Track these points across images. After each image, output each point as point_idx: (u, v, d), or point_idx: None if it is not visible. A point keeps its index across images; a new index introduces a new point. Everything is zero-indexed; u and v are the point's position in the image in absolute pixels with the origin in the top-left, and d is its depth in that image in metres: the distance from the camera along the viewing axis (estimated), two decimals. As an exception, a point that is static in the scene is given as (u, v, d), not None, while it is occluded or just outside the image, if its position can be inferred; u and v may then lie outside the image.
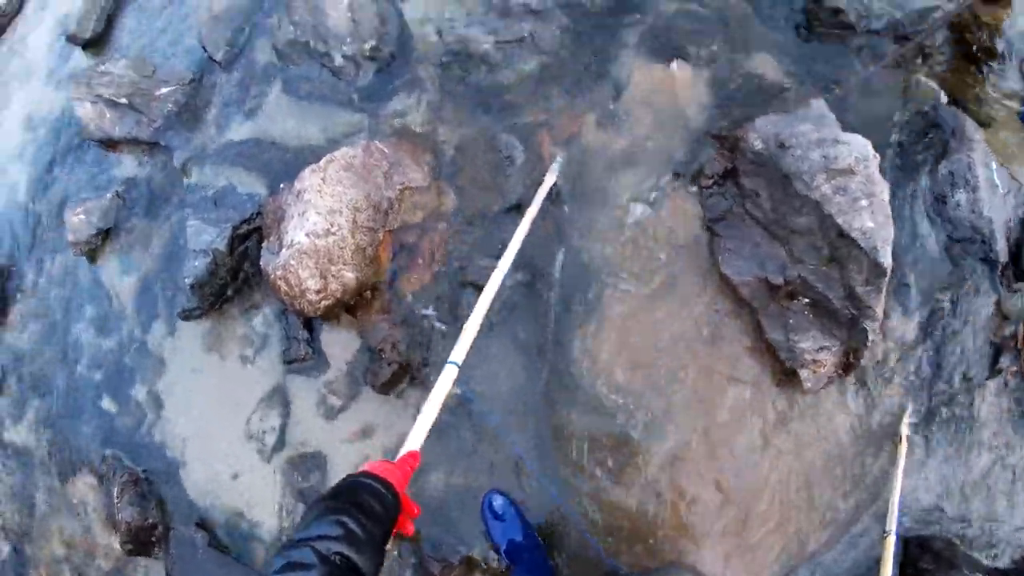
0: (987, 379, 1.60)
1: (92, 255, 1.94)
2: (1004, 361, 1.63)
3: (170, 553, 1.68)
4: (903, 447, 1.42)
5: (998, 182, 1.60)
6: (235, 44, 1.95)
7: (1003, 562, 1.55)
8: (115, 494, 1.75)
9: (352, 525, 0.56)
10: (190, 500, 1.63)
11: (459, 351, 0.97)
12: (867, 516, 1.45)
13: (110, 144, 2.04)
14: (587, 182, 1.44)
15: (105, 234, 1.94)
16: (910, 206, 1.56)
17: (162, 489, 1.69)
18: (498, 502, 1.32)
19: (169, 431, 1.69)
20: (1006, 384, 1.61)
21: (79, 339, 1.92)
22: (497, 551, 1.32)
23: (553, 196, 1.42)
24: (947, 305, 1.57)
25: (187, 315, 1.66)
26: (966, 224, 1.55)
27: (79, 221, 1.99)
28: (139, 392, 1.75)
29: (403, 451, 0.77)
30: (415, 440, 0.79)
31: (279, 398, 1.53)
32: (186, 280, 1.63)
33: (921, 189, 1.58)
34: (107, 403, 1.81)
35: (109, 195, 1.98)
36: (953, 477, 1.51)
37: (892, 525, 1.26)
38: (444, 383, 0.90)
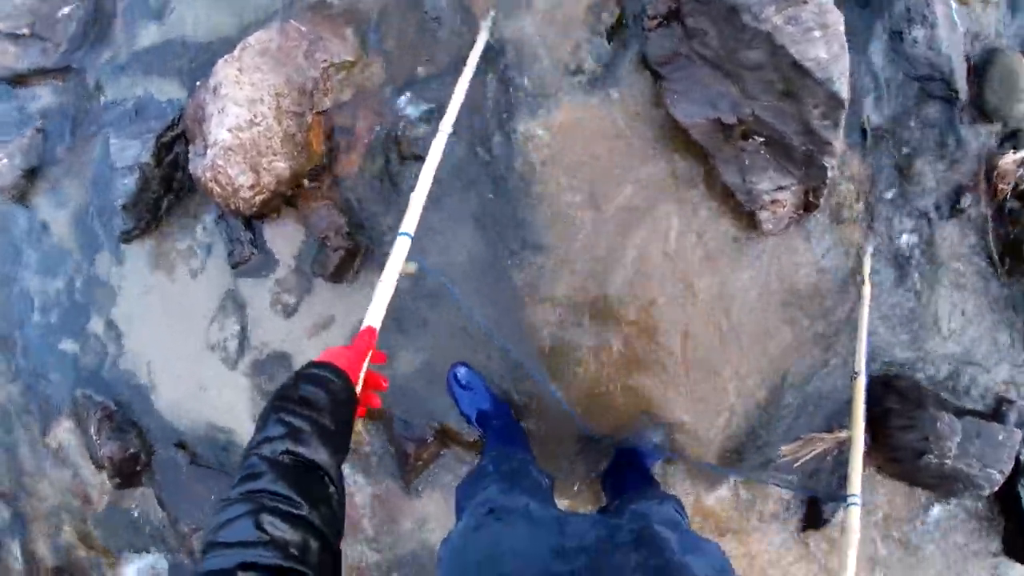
0: (948, 219, 1.58)
1: (23, 197, 1.83)
2: (965, 201, 1.61)
3: (156, 479, 1.69)
4: (867, 288, 1.41)
5: (957, 20, 1.53)
6: (131, -56, 1.76)
7: (970, 402, 1.59)
8: (93, 432, 1.75)
9: (295, 421, 0.53)
10: (166, 422, 1.62)
11: (409, 221, 0.92)
12: (835, 358, 1.47)
13: (19, 79, 1.89)
14: (524, 37, 1.34)
15: (32, 173, 1.82)
16: (865, 42, 1.49)
17: (137, 417, 1.68)
18: (463, 373, 1.31)
19: (133, 358, 1.65)
20: (968, 223, 1.60)
21: (27, 286, 1.84)
22: (468, 421, 1.33)
23: (489, 54, 1.32)
24: (907, 145, 1.53)
25: (127, 237, 1.59)
26: (924, 62, 1.48)
27: (2, 166, 1.87)
28: (96, 326, 1.71)
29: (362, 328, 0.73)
30: (373, 316, 0.75)
31: (233, 304, 1.49)
32: (118, 201, 1.55)
33: (877, 25, 1.49)
34: (67, 344, 1.77)
35: (28, 132, 1.85)
36: (916, 318, 1.52)
37: (861, 366, 1.27)
38: (397, 255, 0.86)
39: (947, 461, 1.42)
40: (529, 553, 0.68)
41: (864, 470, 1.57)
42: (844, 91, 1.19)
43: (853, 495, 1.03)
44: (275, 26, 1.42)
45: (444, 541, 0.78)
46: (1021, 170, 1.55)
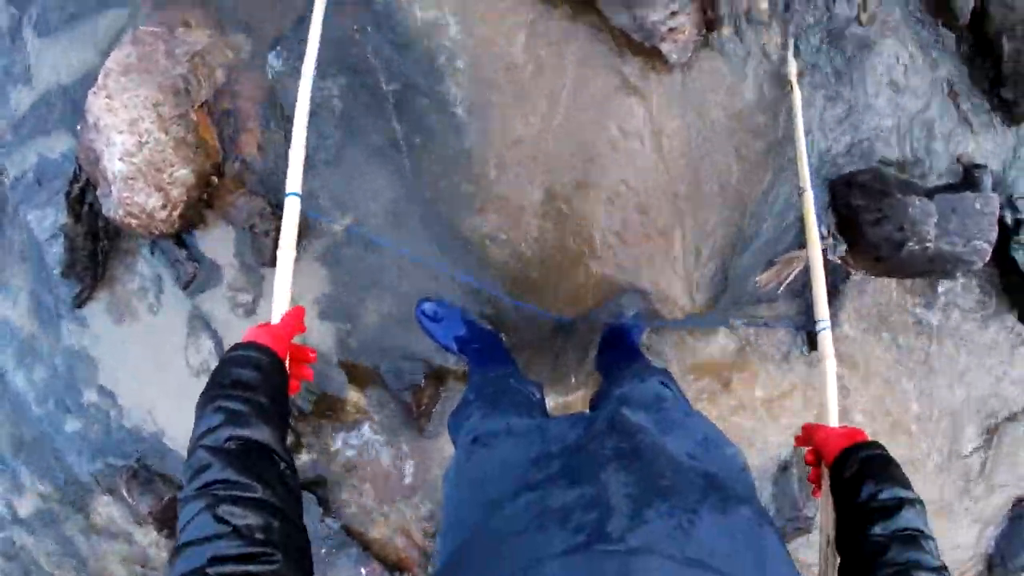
0: None
1: (-24, 305, 1.84)
2: None
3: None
4: (796, 94, 1.33)
5: None
6: (-29, 21, 1.70)
7: (938, 177, 1.52)
8: (126, 495, 1.79)
9: (231, 404, 0.53)
10: (184, 458, 1.65)
11: (292, 181, 0.87)
12: (783, 174, 1.41)
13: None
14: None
15: (-26, 278, 1.82)
16: None
17: (159, 465, 1.71)
18: (429, 307, 1.31)
19: (133, 413, 1.68)
20: None
21: (15, 385, 1.87)
22: (450, 351, 1.32)
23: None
24: (801, -72, 1.42)
25: (80, 301, 1.58)
26: None
27: (-54, 282, 1.87)
28: (91, 396, 1.72)
29: (276, 312, 0.71)
30: (282, 293, 0.73)
31: (199, 324, 1.49)
32: (56, 271, 1.54)
33: None
34: (72, 423, 1.80)
35: (-45, 241, 1.84)
36: (859, 107, 1.45)
37: (805, 181, 1.20)
38: (290, 219, 0.82)
39: (928, 244, 1.38)
40: (511, 469, 0.67)
41: (853, 277, 1.55)
42: None
43: (821, 320, 0.98)
44: (127, 39, 1.37)
45: (443, 478, 0.78)
46: None
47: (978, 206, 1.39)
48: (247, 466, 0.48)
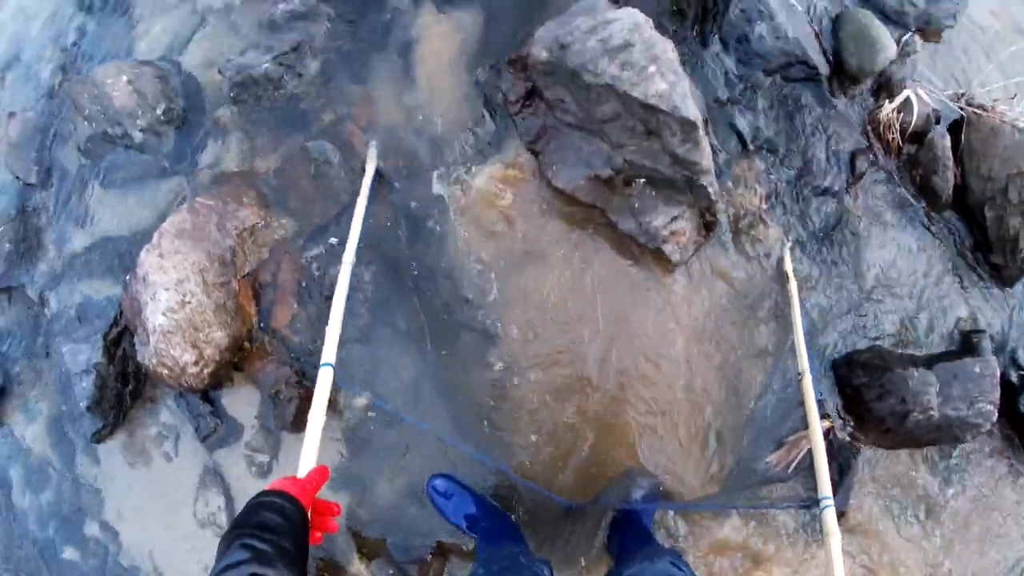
0: (853, 186, 1.63)
1: (-4, 420, 1.88)
2: (862, 164, 1.66)
3: (185, 663, 1.66)
4: (792, 284, 1.44)
5: (793, 1, 1.62)
6: (43, 161, 1.88)
7: (936, 348, 1.59)
8: (113, 632, 1.73)
9: (257, 544, 0.56)
10: (178, 606, 1.62)
11: (328, 352, 0.98)
12: (785, 360, 1.47)
13: (-31, 308, 1.97)
14: (409, 154, 1.43)
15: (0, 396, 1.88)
16: (714, 55, 1.55)
17: (151, 609, 1.67)
18: (441, 483, 1.33)
19: (133, 553, 1.66)
20: (874, 182, 1.64)
21: (19, 505, 1.86)
22: (459, 528, 1.33)
23: (381, 180, 1.41)
24: (788, 134, 1.59)
25: (99, 437, 1.62)
26: (775, 52, 1.56)
27: (-30, 393, 1.92)
28: (92, 529, 1.71)
29: (302, 468, 0.77)
30: (309, 452, 0.79)
31: (212, 477, 1.51)
32: (82, 404, 1.59)
33: (715, 37, 1.55)
34: (69, 553, 1.77)
35: (-13, 357, 1.92)
36: (856, 291, 1.55)
37: (804, 365, 1.28)
38: (323, 386, 0.91)
39: (932, 412, 1.41)
40: None
41: (864, 453, 1.58)
42: (692, 113, 1.27)
43: (825, 497, 1.03)
44: (185, 207, 1.51)
45: None
46: (902, 115, 1.61)
47: (978, 370, 1.43)
48: None
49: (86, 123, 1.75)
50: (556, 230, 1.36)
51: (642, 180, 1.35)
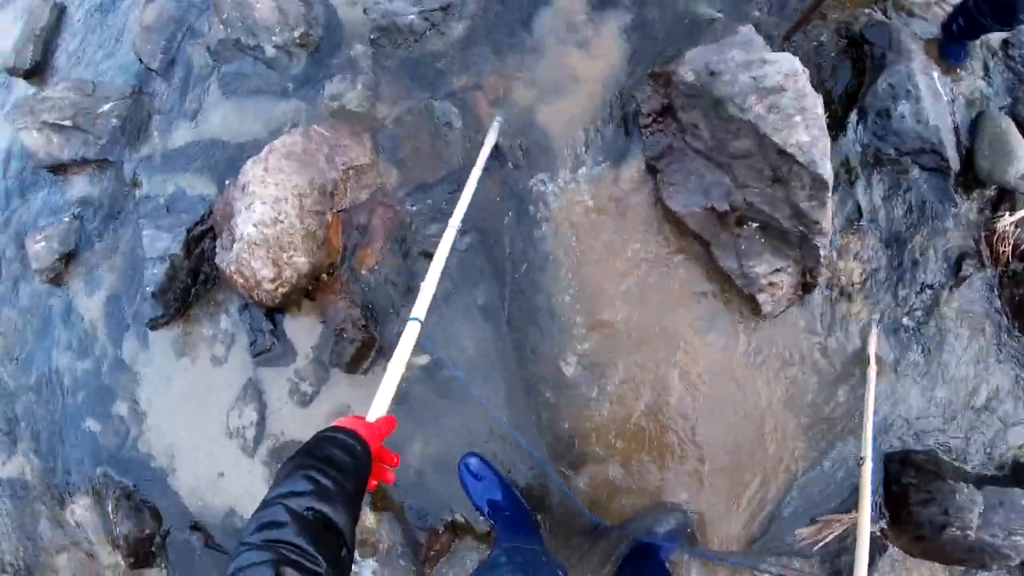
0: (953, 287, 1.60)
1: (57, 280, 1.94)
2: (967, 268, 1.63)
3: (170, 560, 1.70)
4: (872, 369, 1.41)
5: (941, 90, 1.59)
6: (169, 51, 1.93)
7: (989, 469, 1.56)
8: (110, 510, 1.77)
9: (322, 479, 0.55)
10: (182, 505, 1.65)
11: (420, 307, 0.98)
12: (845, 439, 1.45)
13: (61, 168, 2.04)
14: (530, 138, 1.43)
15: (67, 257, 1.94)
16: (853, 122, 1.55)
17: (154, 498, 1.70)
18: (474, 463, 1.33)
19: (153, 441, 1.70)
20: (973, 290, 1.60)
21: (56, 365, 1.92)
22: (480, 511, 1.33)
23: (497, 156, 1.42)
24: (904, 218, 1.56)
25: (155, 324, 1.66)
26: (912, 135, 1.54)
27: (40, 248, 1.99)
28: (120, 408, 1.76)
29: (372, 413, 0.77)
30: (383, 399, 0.79)
31: (253, 392, 1.54)
32: (148, 289, 1.63)
33: (861, 105, 1.55)
34: (91, 423, 1.82)
35: (66, 218, 1.98)
36: (929, 391, 1.52)
37: (867, 451, 1.25)
38: (408, 339, 0.91)
39: (970, 533, 1.38)
40: None
41: (889, 553, 1.54)
42: (827, 171, 1.25)
43: None
44: (299, 130, 1.54)
45: None
46: (1019, 231, 1.57)
47: None
48: (319, 540, 0.49)
49: (222, 26, 1.80)
50: (658, 251, 1.35)
51: (755, 224, 1.34)
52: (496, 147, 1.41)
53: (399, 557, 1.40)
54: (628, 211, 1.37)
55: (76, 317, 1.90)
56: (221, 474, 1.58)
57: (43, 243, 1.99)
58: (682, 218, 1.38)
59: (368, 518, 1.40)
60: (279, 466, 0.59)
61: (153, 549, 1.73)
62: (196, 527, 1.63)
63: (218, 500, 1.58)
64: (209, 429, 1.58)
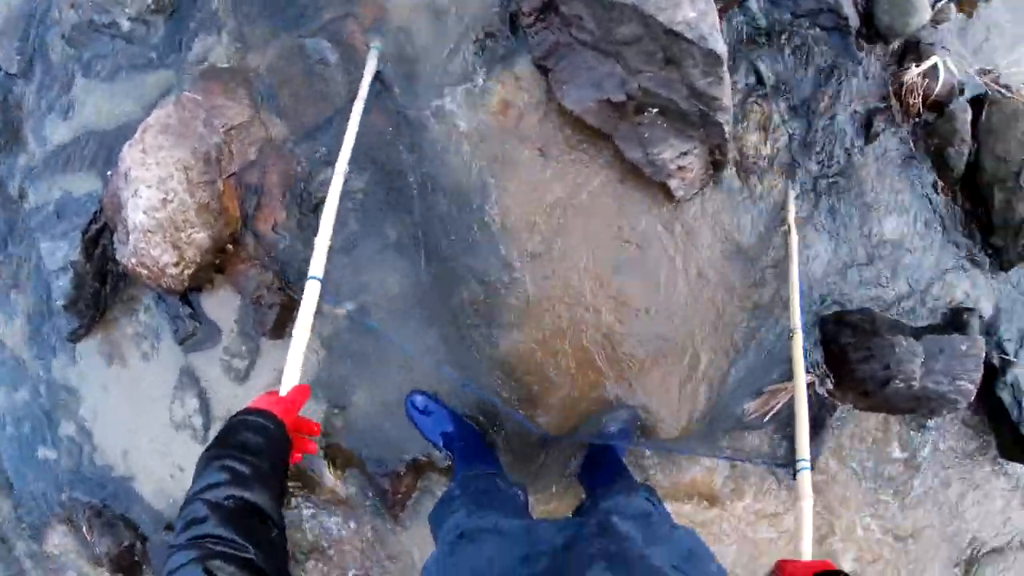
0: (866, 146, 1.58)
1: (-28, 317, 1.84)
2: (879, 124, 1.61)
3: (154, 566, 1.69)
4: (793, 236, 1.40)
5: None
6: (25, 51, 1.78)
7: (924, 319, 1.58)
8: (85, 531, 1.75)
9: (237, 466, 0.55)
10: (152, 509, 1.63)
11: (316, 264, 0.94)
12: (778, 308, 1.46)
13: (-54, 202, 1.90)
14: (413, 60, 1.35)
15: (-25, 291, 1.83)
16: None
17: (124, 509, 1.68)
18: (420, 400, 1.32)
19: (108, 453, 1.66)
20: (887, 144, 1.59)
21: (-5, 403, 1.85)
22: (435, 446, 1.33)
23: (381, 84, 1.34)
24: (808, 83, 1.53)
25: (75, 336, 1.59)
26: None
27: (-53, 289, 1.88)
28: (67, 429, 1.71)
29: (284, 386, 0.75)
30: (293, 369, 0.77)
31: (189, 380, 1.49)
32: (58, 303, 1.56)
33: None
34: (44, 452, 1.77)
35: (-36, 252, 1.86)
36: (854, 250, 1.52)
37: (796, 323, 1.25)
38: (308, 302, 0.87)
39: (914, 383, 1.41)
40: (497, 565, 0.68)
41: (839, 411, 1.59)
42: (719, 46, 1.20)
43: (802, 459, 1.01)
44: (171, 101, 1.44)
45: (423, 571, 0.78)
46: (927, 81, 1.56)
47: (964, 348, 1.43)
48: (243, 526, 0.50)
49: (72, 10, 1.65)
50: (560, 152, 1.30)
51: (655, 110, 1.29)
52: (378, 75, 1.33)
53: (368, 508, 1.41)
54: (525, 118, 1.32)
55: (1, 349, 1.81)
56: (181, 468, 1.55)
57: (-52, 282, 1.88)
58: (579, 115, 1.32)
59: (330, 475, 1.39)
60: (197, 460, 0.59)
61: (136, 558, 1.71)
62: (170, 527, 1.61)
63: (184, 494, 1.56)
64: (156, 427, 1.54)
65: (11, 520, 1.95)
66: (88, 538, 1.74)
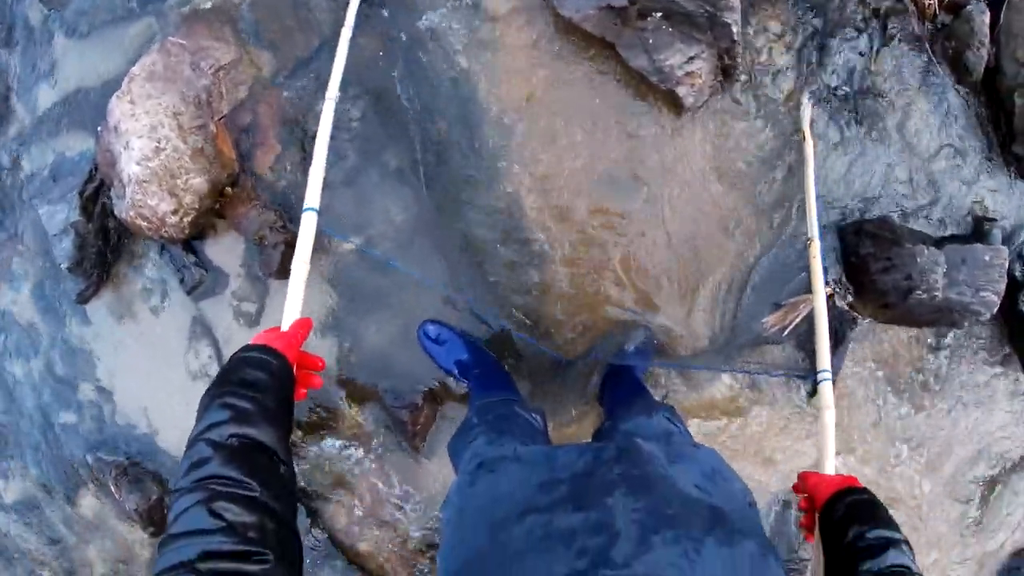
0: (881, 48, 1.53)
1: (-20, 292, 1.85)
2: (894, 26, 1.55)
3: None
4: (808, 143, 1.36)
5: None
6: (3, 19, 1.74)
7: (949, 228, 1.55)
8: (114, 490, 1.79)
9: (239, 403, 0.53)
10: (176, 460, 1.66)
11: (312, 195, 0.92)
12: (796, 219, 1.44)
13: (-58, 180, 1.89)
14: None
15: (-19, 265, 1.84)
16: None
17: (150, 464, 1.71)
18: (432, 329, 1.32)
19: (128, 411, 1.68)
20: (903, 47, 1.54)
21: (13, 375, 1.87)
22: (451, 374, 1.34)
23: (368, 7, 1.29)
24: (818, -18, 1.46)
25: (83, 297, 1.60)
26: None
27: (-48, 267, 1.89)
28: (86, 391, 1.73)
29: (286, 320, 0.73)
30: (293, 303, 0.76)
31: (201, 329, 1.50)
32: (62, 265, 1.56)
33: None
34: (66, 416, 1.80)
35: (-35, 228, 1.86)
36: (871, 157, 1.48)
37: (813, 231, 1.22)
38: (306, 233, 0.85)
39: (936, 293, 1.38)
40: (517, 493, 0.67)
41: (859, 324, 1.57)
42: None
43: (823, 370, 1.00)
44: (155, 48, 1.40)
45: (444, 502, 0.78)
46: None
47: (987, 258, 1.39)
48: (248, 465, 0.48)
49: (44, -33, 1.61)
50: (567, 68, 1.26)
51: (659, 14, 1.24)
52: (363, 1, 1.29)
53: (388, 440, 1.43)
54: (523, 30, 1.28)
55: (11, 320, 1.83)
56: (200, 419, 1.57)
57: (-48, 261, 1.88)
58: (579, 24, 1.28)
59: (349, 411, 1.41)
60: (199, 400, 0.57)
61: (166, 512, 1.75)
62: (197, 478, 1.65)
63: (207, 445, 1.59)
64: (174, 379, 1.56)
65: (41, 488, 2.00)
66: (117, 496, 1.78)
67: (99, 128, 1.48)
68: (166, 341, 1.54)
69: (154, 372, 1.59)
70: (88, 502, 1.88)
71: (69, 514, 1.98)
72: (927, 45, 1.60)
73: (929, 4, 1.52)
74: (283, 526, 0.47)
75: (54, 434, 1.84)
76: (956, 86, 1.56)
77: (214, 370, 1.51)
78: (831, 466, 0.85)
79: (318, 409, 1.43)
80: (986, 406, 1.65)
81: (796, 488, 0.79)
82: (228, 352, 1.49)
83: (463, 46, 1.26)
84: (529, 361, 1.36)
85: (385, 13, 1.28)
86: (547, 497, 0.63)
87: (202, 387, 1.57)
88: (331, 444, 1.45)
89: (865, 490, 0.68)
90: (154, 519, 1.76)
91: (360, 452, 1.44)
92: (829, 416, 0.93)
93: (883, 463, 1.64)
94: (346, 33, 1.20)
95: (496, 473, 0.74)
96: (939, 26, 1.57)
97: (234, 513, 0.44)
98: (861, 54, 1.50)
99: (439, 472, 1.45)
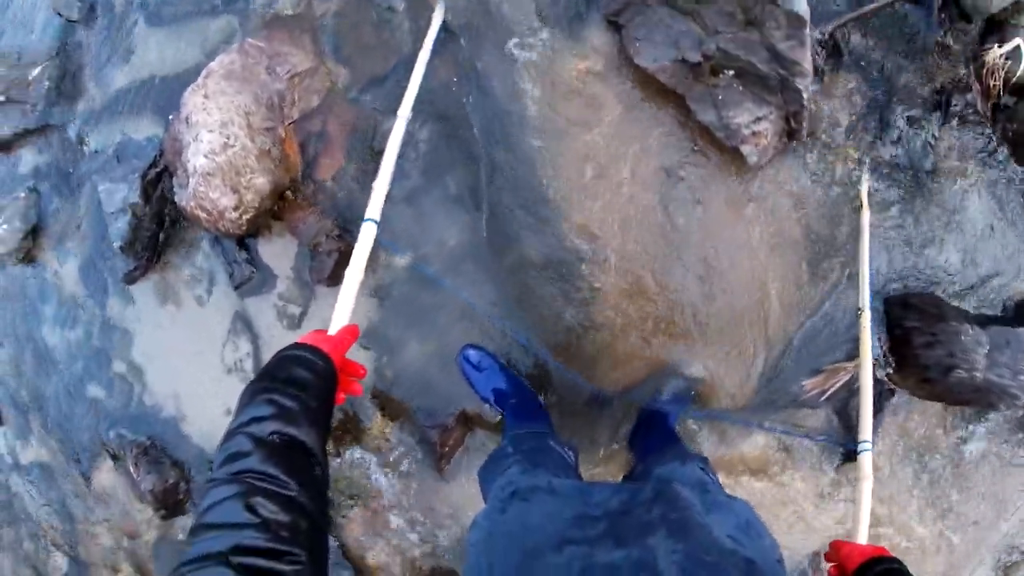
0: (943, 124, 1.53)
1: (30, 257, 1.89)
2: (957, 103, 1.56)
3: (196, 505, 1.74)
4: (865, 213, 1.36)
5: None
6: (86, -2, 1.80)
7: (991, 310, 1.54)
8: (132, 469, 1.81)
9: (284, 400, 0.53)
10: (199, 448, 1.67)
11: (373, 207, 0.93)
12: (844, 286, 1.43)
13: (5, 146, 1.95)
14: (480, 11, 1.33)
15: (33, 233, 1.88)
16: None
17: (171, 448, 1.73)
18: (473, 355, 1.32)
19: (158, 393, 1.71)
20: (965, 126, 1.54)
21: (48, 342, 1.91)
22: (487, 402, 1.34)
23: (447, 35, 1.32)
24: (888, 56, 1.47)
25: (131, 277, 1.63)
26: None
27: (3, 231, 1.93)
28: (119, 368, 1.76)
29: (334, 325, 0.74)
30: (344, 309, 0.76)
31: (242, 325, 1.52)
32: (115, 244, 1.59)
33: None
34: (94, 390, 1.83)
35: (22, 194, 1.91)
36: (925, 231, 1.48)
37: (865, 301, 1.22)
38: (364, 242, 0.87)
39: (977, 374, 1.36)
40: (551, 525, 0.67)
41: (896, 397, 1.55)
42: (803, 7, 1.16)
43: (864, 441, 0.99)
44: (234, 47, 1.44)
45: (472, 525, 0.78)
46: (1009, 63, 1.50)
47: None
48: (287, 463, 0.48)
49: (134, -46, 1.66)
50: (636, 114, 1.28)
51: (731, 72, 1.25)
52: (444, 26, 1.31)
53: (415, 458, 1.43)
54: (596, 75, 1.29)
55: (56, 290, 1.86)
56: (228, 410, 1.59)
57: (4, 225, 1.93)
58: (653, 74, 1.29)
59: (379, 423, 1.41)
60: (241, 392, 0.56)
61: (181, 497, 1.77)
62: (216, 468, 1.66)
63: (231, 437, 1.60)
64: (208, 369, 1.58)
65: (59, 457, 2.03)
66: (135, 475, 1.80)
67: (170, 116, 1.51)
68: (206, 331, 1.56)
69: (190, 360, 1.61)
70: (102, 475, 1.90)
71: (81, 486, 2.00)
72: (988, 124, 1.60)
73: (994, 84, 1.52)
74: (316, 528, 0.46)
75: (81, 405, 1.86)
76: (1016, 168, 1.55)
77: (249, 366, 1.53)
78: (864, 535, 0.84)
79: (347, 418, 1.44)
80: (1015, 491, 1.62)
81: (828, 557, 0.79)
82: (266, 350, 1.51)
83: (537, 84, 1.27)
84: (563, 398, 1.35)
85: (463, 41, 1.31)
86: (583, 532, 0.63)
87: (235, 381, 1.60)
88: (355, 454, 1.45)
89: (896, 560, 0.68)
90: (167, 503, 1.78)
91: (382, 466, 1.44)
92: (867, 486, 0.93)
93: (908, 536, 1.61)
94: (424, 56, 1.22)
95: (529, 502, 0.75)
96: (1003, 107, 1.57)
97: (270, 511, 0.43)
98: (923, 128, 1.50)
99: (458, 497, 1.45)
